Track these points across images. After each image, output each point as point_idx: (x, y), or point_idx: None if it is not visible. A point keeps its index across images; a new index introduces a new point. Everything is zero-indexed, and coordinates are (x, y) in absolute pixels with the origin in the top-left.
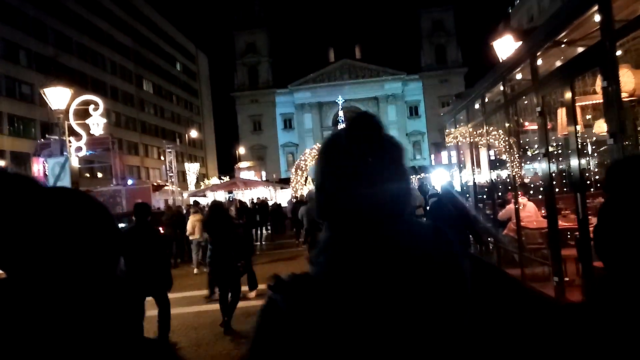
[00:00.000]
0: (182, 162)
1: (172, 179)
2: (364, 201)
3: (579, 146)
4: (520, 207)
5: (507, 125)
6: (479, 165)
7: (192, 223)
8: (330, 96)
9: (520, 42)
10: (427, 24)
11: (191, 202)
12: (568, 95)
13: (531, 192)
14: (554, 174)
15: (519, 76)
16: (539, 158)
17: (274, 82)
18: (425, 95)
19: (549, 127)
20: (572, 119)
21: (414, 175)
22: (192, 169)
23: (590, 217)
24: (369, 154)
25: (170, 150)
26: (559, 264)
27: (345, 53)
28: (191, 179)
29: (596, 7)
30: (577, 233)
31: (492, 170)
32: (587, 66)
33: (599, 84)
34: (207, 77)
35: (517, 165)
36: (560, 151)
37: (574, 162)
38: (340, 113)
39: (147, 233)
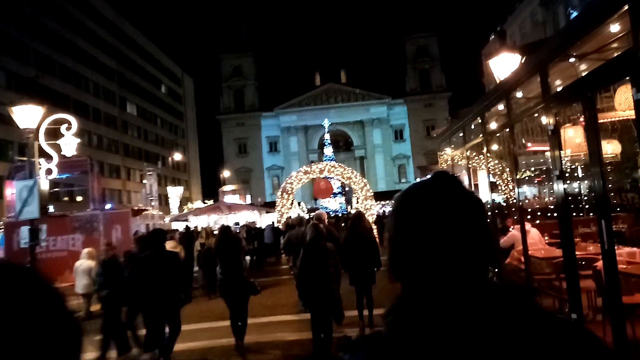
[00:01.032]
0: (165, 185)
1: (153, 203)
2: (442, 261)
3: (602, 167)
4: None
5: (510, 145)
6: (477, 189)
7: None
8: (316, 119)
9: (523, 58)
10: (411, 50)
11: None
12: (588, 111)
13: (529, 216)
14: (566, 197)
15: (519, 94)
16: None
17: (260, 105)
18: (410, 119)
19: (562, 146)
20: (593, 136)
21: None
22: (175, 192)
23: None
24: (450, 210)
25: (151, 173)
26: (578, 298)
27: (331, 77)
28: (174, 202)
29: (626, 7)
30: (596, 264)
31: (492, 194)
32: (614, 77)
33: (623, 98)
34: (192, 99)
35: (520, 188)
36: (567, 173)
37: (598, 184)
38: (327, 136)
39: (163, 257)
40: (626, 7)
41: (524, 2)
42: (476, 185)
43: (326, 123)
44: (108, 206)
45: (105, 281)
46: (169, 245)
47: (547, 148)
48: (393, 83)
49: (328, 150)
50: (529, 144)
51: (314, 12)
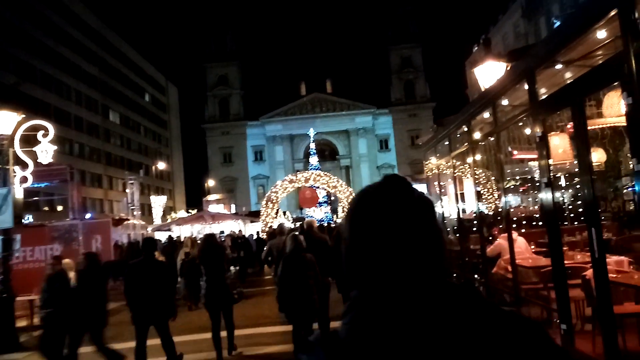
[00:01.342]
0: (149, 194)
1: (135, 212)
2: (394, 262)
3: (592, 174)
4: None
5: (496, 153)
6: (463, 198)
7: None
8: (302, 129)
9: (508, 66)
10: (396, 60)
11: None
12: (577, 117)
13: (514, 225)
14: (555, 205)
15: (505, 102)
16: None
17: (245, 115)
18: (395, 129)
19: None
20: (583, 143)
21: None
22: (158, 201)
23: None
24: (400, 213)
25: (132, 181)
26: (567, 308)
27: (317, 87)
28: (157, 212)
29: (615, 12)
30: (585, 273)
31: (478, 203)
32: (603, 82)
33: (610, 103)
34: (176, 108)
35: (507, 195)
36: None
37: (587, 192)
38: (312, 145)
39: (153, 266)
40: (615, 12)
41: (506, 13)
42: (462, 195)
43: (312, 132)
44: (88, 216)
45: (49, 298)
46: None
47: (533, 156)
48: (378, 93)
49: (313, 160)
50: (515, 152)
51: (299, 23)
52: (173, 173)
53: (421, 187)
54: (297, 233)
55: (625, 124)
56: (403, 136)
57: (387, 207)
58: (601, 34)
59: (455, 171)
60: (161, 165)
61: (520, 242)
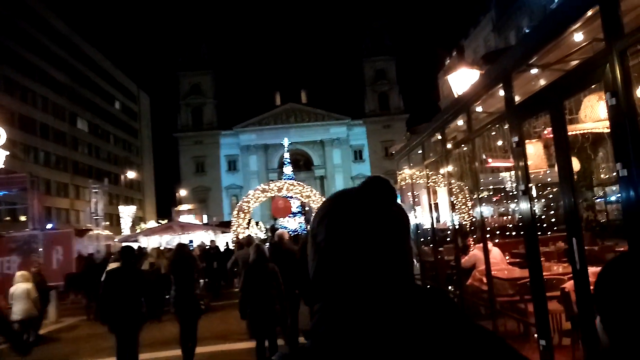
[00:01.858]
0: (118, 204)
1: (99, 223)
2: (366, 269)
3: (573, 182)
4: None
5: (471, 161)
6: (437, 208)
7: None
8: (276, 138)
9: (482, 71)
10: (370, 72)
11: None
12: (557, 120)
13: (488, 235)
14: (533, 215)
15: (480, 108)
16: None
17: (218, 124)
18: (369, 140)
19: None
20: (563, 149)
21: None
22: (127, 211)
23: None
24: (380, 220)
25: (96, 190)
26: (546, 322)
27: (291, 97)
28: (126, 222)
29: (597, 8)
30: (564, 285)
31: (453, 212)
32: (585, 83)
33: (591, 105)
34: (148, 117)
35: (481, 205)
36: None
37: (568, 200)
38: (286, 155)
39: (131, 274)
40: (596, 9)
41: (477, 27)
42: (436, 205)
43: (286, 142)
44: (49, 226)
45: None
46: (114, 266)
47: (508, 164)
48: (352, 104)
49: (288, 169)
50: (490, 160)
51: (274, 33)
52: (143, 183)
53: None
54: (259, 243)
55: (602, 129)
56: (377, 147)
57: (368, 215)
58: (578, 36)
59: (428, 180)
60: (131, 175)
61: (495, 252)
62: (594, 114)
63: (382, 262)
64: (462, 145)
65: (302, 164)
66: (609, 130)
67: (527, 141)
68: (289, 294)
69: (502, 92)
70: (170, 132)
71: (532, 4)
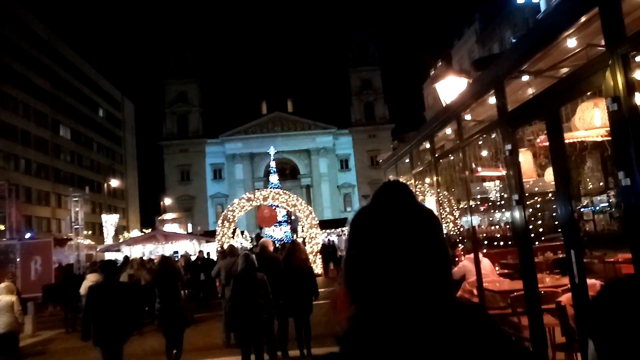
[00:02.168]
0: (101, 213)
1: (78, 232)
2: (396, 279)
3: (571, 192)
4: (473, 263)
5: (461, 170)
6: None
7: (88, 284)
8: (262, 147)
9: (470, 80)
10: (356, 82)
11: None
12: (553, 127)
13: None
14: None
15: (470, 116)
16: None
17: (204, 132)
18: (355, 149)
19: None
20: (560, 156)
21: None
22: (110, 220)
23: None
24: (400, 227)
25: (77, 199)
26: (542, 336)
27: (278, 106)
28: (109, 231)
29: (596, 10)
30: (560, 299)
31: (443, 222)
32: (584, 87)
33: (582, 115)
34: (132, 124)
35: (471, 214)
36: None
37: (566, 210)
38: (272, 163)
39: (114, 289)
40: (595, 10)
41: (462, 39)
42: None
43: (272, 150)
44: (27, 235)
45: None
46: (94, 278)
47: (498, 173)
48: (339, 113)
49: (274, 178)
50: (479, 169)
51: (261, 43)
52: (127, 191)
53: None
54: (248, 252)
55: (596, 137)
56: (363, 156)
57: (389, 222)
58: (572, 42)
59: (416, 190)
60: (114, 183)
61: (485, 263)
62: (588, 122)
63: (409, 269)
64: (451, 155)
65: (288, 172)
66: (602, 139)
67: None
68: (274, 304)
69: (492, 100)
70: (155, 140)
71: (515, 16)
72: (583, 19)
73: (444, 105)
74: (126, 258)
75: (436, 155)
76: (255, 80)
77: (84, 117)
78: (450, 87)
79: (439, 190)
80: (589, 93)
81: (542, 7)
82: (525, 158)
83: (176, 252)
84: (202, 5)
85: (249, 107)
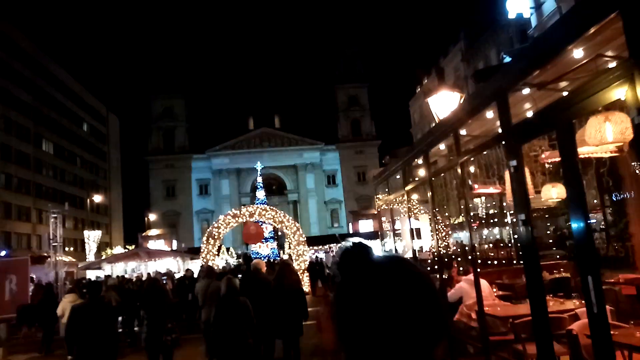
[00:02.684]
0: (83, 229)
1: (57, 249)
2: (381, 344)
3: (586, 211)
4: (470, 285)
5: (460, 186)
6: (418, 235)
7: (65, 305)
8: (249, 163)
9: (462, 97)
10: (343, 99)
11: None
12: (566, 140)
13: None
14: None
15: (463, 132)
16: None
17: (190, 147)
18: (342, 165)
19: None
20: (574, 171)
21: (335, 244)
22: (93, 236)
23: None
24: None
25: (55, 214)
26: None
27: (265, 122)
28: (91, 248)
29: (615, 13)
30: (571, 327)
31: (437, 240)
32: (598, 100)
33: (594, 131)
34: (117, 139)
35: (470, 231)
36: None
37: (583, 231)
38: (259, 179)
39: (98, 309)
40: (615, 14)
41: (447, 57)
42: (417, 230)
43: (259, 165)
44: (2, 253)
45: None
46: (71, 298)
47: (495, 190)
48: (326, 129)
49: (260, 194)
50: (476, 186)
51: (248, 58)
52: (111, 207)
53: (368, 224)
54: (230, 276)
55: (602, 154)
56: (350, 172)
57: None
58: (578, 52)
59: (409, 206)
60: (97, 199)
61: (483, 285)
62: (599, 137)
63: (393, 340)
64: (446, 170)
65: (275, 188)
66: (609, 155)
67: None
68: (263, 326)
69: (490, 114)
70: (140, 155)
71: (499, 35)
72: (592, 29)
73: (436, 120)
74: (107, 278)
75: (431, 171)
76: (242, 95)
77: (67, 132)
78: (443, 102)
79: (436, 209)
80: (602, 106)
81: (533, 23)
82: None
83: (164, 276)
84: (190, 20)
85: (236, 122)
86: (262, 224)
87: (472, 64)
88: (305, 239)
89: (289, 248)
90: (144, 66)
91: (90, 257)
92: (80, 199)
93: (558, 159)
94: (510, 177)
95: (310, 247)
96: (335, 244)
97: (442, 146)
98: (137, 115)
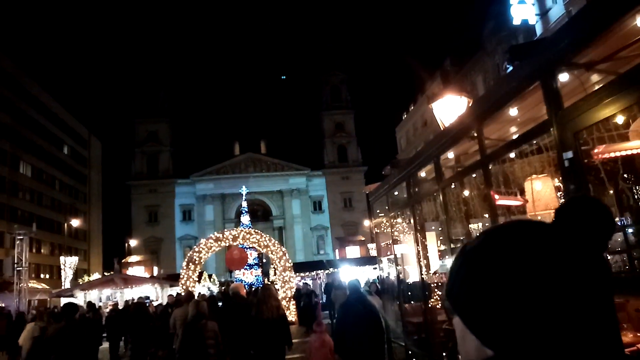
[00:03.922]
0: (60, 255)
1: (22, 274)
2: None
3: None
4: None
5: (482, 192)
6: (425, 257)
7: (26, 335)
8: (234, 188)
9: (470, 102)
10: (329, 125)
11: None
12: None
13: None
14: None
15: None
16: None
17: (174, 172)
18: (328, 191)
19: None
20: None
21: (322, 270)
22: (69, 262)
23: None
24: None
25: (21, 237)
26: None
27: (251, 147)
28: (67, 274)
29: None
30: None
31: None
32: None
33: None
34: (99, 163)
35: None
36: None
37: None
38: (244, 204)
39: (76, 332)
40: None
41: (433, 84)
42: (425, 252)
43: (244, 189)
44: None
45: None
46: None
47: (518, 202)
48: (312, 155)
49: (245, 219)
50: (497, 197)
51: (234, 84)
52: (90, 232)
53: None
54: (199, 299)
55: None
56: (336, 198)
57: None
58: None
59: (417, 221)
60: (75, 223)
61: None
62: None
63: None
64: (466, 174)
65: (260, 214)
66: None
67: (534, 176)
68: (242, 352)
69: (513, 112)
70: (122, 179)
71: (485, 62)
72: None
73: (441, 127)
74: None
75: (445, 178)
76: (228, 121)
77: (46, 154)
78: (448, 107)
79: (449, 221)
80: None
81: (538, 32)
82: (545, 185)
83: (147, 298)
84: (176, 44)
85: (221, 147)
86: (246, 249)
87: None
88: (292, 264)
89: (275, 274)
90: (128, 90)
91: (67, 284)
92: (57, 223)
93: (620, 154)
94: (563, 172)
95: (297, 274)
96: (322, 271)
97: (450, 154)
98: (121, 139)
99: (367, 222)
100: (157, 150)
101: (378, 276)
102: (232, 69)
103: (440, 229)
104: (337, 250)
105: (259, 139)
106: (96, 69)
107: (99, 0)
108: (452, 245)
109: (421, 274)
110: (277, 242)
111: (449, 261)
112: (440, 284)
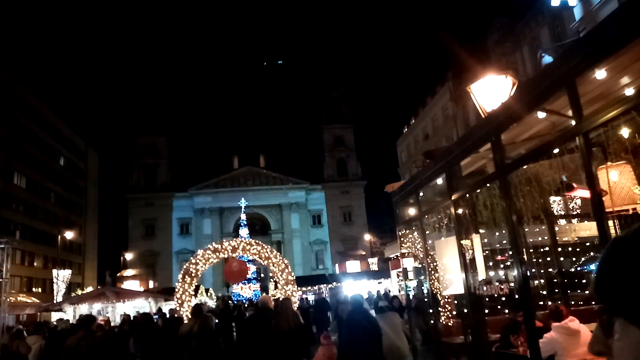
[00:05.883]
0: (53, 268)
1: (2, 286)
2: None
3: None
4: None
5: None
6: (472, 266)
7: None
8: (233, 201)
9: (515, 83)
10: (329, 139)
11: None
12: None
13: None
14: None
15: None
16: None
17: (172, 185)
18: (328, 205)
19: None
20: None
21: (325, 284)
22: (62, 276)
23: None
24: None
25: (3, 246)
26: None
27: (250, 161)
28: (60, 288)
29: None
30: None
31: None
32: None
33: None
34: (96, 175)
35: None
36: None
37: None
38: (243, 216)
39: (93, 342)
40: None
41: (435, 97)
42: (472, 259)
43: (243, 202)
44: None
45: None
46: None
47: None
48: (311, 169)
49: (244, 232)
50: (575, 185)
51: (234, 98)
52: (85, 245)
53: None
54: (208, 314)
55: None
56: (336, 212)
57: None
58: None
59: (459, 222)
60: (69, 235)
61: (584, 332)
62: None
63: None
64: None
65: (258, 228)
66: None
67: (608, 163)
68: None
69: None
70: (119, 192)
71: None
72: None
73: (482, 114)
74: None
75: (505, 163)
76: (227, 134)
77: (42, 166)
78: (490, 90)
79: (513, 217)
80: None
81: (577, 15)
82: (622, 175)
83: (156, 314)
84: (175, 57)
85: (220, 161)
86: (246, 262)
87: (461, 103)
88: (294, 277)
89: (276, 288)
90: (127, 103)
91: (59, 298)
92: (52, 236)
93: None
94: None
95: (299, 288)
96: (325, 285)
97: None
98: (119, 151)
99: (367, 237)
100: (155, 163)
101: (386, 290)
102: (231, 82)
103: (495, 232)
104: (337, 265)
105: (258, 152)
106: (95, 81)
107: (97, 11)
108: (519, 254)
109: (467, 285)
110: (278, 253)
111: (510, 271)
112: (497, 295)
